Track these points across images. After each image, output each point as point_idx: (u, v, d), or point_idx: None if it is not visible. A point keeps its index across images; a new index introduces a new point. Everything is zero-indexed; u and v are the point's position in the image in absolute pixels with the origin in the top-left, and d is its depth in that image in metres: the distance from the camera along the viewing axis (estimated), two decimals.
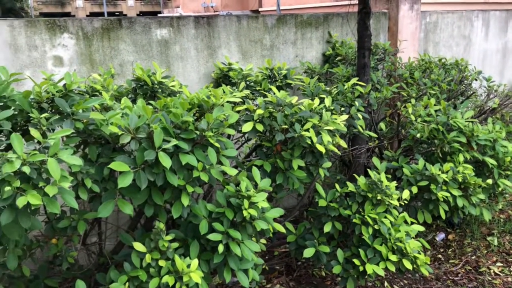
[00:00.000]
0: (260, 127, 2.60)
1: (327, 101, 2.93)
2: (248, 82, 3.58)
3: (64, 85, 2.35)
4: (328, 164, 2.74)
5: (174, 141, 2.15)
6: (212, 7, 12.29)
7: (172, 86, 3.18)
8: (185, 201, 2.25)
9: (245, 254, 2.32)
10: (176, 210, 2.27)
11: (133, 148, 2.14)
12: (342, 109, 3.07)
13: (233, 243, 2.32)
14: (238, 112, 2.69)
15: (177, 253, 2.32)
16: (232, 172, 2.34)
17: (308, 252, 2.79)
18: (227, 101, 2.60)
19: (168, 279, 2.13)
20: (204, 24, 3.92)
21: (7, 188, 1.73)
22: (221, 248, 2.27)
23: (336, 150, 2.63)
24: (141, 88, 3.07)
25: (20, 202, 1.73)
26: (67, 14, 14.04)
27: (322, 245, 2.88)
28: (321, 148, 2.53)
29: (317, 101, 2.83)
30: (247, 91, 3.09)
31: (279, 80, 3.50)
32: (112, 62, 3.55)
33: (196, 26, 3.89)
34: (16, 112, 2.21)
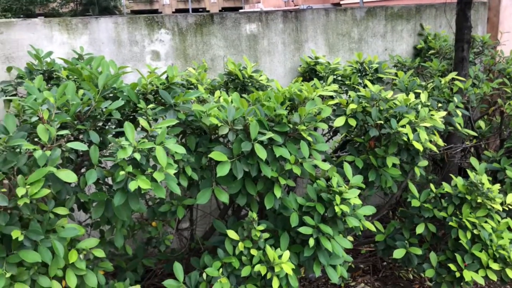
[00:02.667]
0: (352, 122, 2.54)
1: (423, 97, 2.79)
2: (335, 76, 3.53)
3: (167, 78, 2.48)
4: (424, 162, 2.61)
5: (270, 134, 2.18)
6: (292, 1, 12.26)
7: (261, 80, 3.23)
8: (278, 192, 2.28)
9: (335, 250, 2.29)
10: (269, 201, 2.30)
11: (231, 139, 2.21)
12: (440, 105, 2.90)
13: (324, 238, 2.30)
14: (330, 106, 2.66)
15: (267, 244, 2.36)
16: (325, 166, 2.32)
17: (398, 253, 2.69)
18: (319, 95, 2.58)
19: (261, 268, 2.17)
20: (292, 18, 3.92)
21: (122, 173, 1.88)
22: (311, 242, 2.27)
23: (434, 148, 2.50)
24: (232, 82, 3.15)
25: (132, 185, 1.87)
26: (155, 11, 14.84)
27: (413, 246, 2.76)
28: (418, 146, 2.42)
29: (412, 96, 2.71)
30: (335, 85, 3.04)
31: (370, 74, 3.40)
32: (204, 56, 3.69)
33: (284, 21, 3.90)
34: (124, 103, 2.38)
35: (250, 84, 3.14)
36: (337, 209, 2.28)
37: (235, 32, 3.76)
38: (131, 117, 2.48)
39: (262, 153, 2.14)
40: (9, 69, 2.96)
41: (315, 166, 2.38)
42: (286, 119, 2.33)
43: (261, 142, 2.21)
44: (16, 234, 1.66)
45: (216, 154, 2.15)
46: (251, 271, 2.23)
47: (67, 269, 1.93)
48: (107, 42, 3.42)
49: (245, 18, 3.78)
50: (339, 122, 2.54)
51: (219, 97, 2.71)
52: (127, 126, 1.98)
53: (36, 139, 1.91)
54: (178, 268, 2.27)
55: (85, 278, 1.98)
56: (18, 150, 1.77)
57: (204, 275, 2.27)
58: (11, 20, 3.18)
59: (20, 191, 1.64)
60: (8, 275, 1.67)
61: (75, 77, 2.62)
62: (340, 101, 2.65)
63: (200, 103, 2.65)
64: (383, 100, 2.61)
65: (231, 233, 2.29)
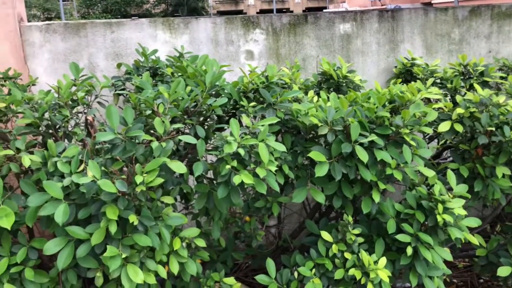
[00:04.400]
0: (459, 128, 2.39)
1: None
2: (434, 79, 3.34)
3: (267, 77, 2.53)
4: None
5: (372, 137, 2.12)
6: (379, 0, 11.88)
7: (355, 80, 3.16)
8: (376, 197, 2.22)
9: (435, 260, 2.18)
10: (366, 205, 2.25)
11: (330, 140, 2.19)
12: None
13: (423, 247, 2.20)
14: (434, 110, 2.52)
15: (361, 248, 2.31)
16: (429, 173, 2.21)
17: (504, 271, 2.48)
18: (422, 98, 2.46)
19: (355, 272, 2.13)
20: (388, 17, 3.79)
21: (227, 167, 1.95)
22: (409, 250, 2.18)
23: None
24: (326, 82, 3.12)
25: (236, 180, 1.92)
26: (240, 12, 15.25)
27: None
28: None
29: None
30: (435, 88, 2.88)
31: (475, 78, 3.18)
32: (296, 56, 3.70)
33: (380, 20, 3.78)
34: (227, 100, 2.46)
35: (344, 84, 3.09)
36: (439, 218, 2.16)
37: (328, 32, 3.72)
38: (230, 114, 2.56)
39: (363, 155, 2.09)
40: (118, 65, 3.20)
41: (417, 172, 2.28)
42: (388, 122, 2.26)
43: (361, 144, 2.16)
44: (133, 218, 1.79)
45: (315, 154, 2.15)
46: (344, 275, 2.19)
47: (170, 255, 2.04)
48: (206, 41, 3.56)
49: (339, 17, 3.73)
50: (444, 127, 2.40)
51: (313, 97, 2.70)
52: (233, 123, 2.05)
53: (151, 131, 2.04)
54: (270, 264, 2.31)
55: (186, 266, 2.08)
56: (135, 140, 1.91)
57: (296, 274, 2.28)
58: (122, 20, 3.43)
59: (138, 179, 1.76)
60: (123, 256, 1.80)
61: (179, 74, 2.76)
62: (445, 104, 2.51)
63: (294, 103, 2.66)
64: (493, 105, 2.42)
65: (325, 235, 2.27)
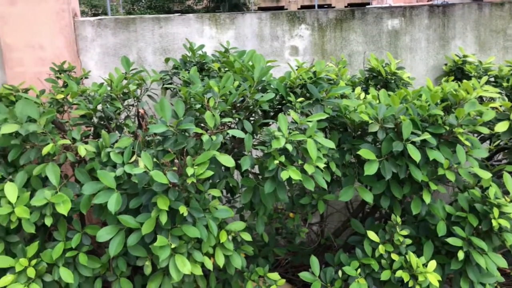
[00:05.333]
0: None
1: None
2: (488, 77, 3.19)
3: (314, 72, 2.50)
4: None
5: (425, 135, 2.06)
6: None
7: (404, 77, 3.07)
8: (427, 198, 2.14)
9: (489, 267, 2.08)
10: (416, 206, 2.18)
11: (380, 137, 2.14)
12: None
13: (475, 252, 2.11)
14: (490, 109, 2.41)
15: (408, 250, 2.24)
16: (485, 175, 2.12)
17: None
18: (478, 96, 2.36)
19: (403, 274, 2.07)
20: (438, 13, 3.66)
21: (275, 162, 1.94)
22: (461, 255, 2.10)
23: None
24: (374, 78, 3.05)
25: (284, 175, 1.91)
26: (281, 8, 15.18)
27: None
28: None
29: None
30: (490, 87, 2.75)
31: None
32: (341, 52, 3.64)
33: (430, 16, 3.65)
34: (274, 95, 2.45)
35: (393, 81, 3.01)
36: (494, 223, 2.06)
37: (375, 28, 3.63)
38: (276, 109, 2.55)
39: (415, 154, 2.03)
40: (166, 60, 3.26)
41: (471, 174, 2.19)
42: (441, 120, 2.18)
43: (413, 143, 2.10)
44: (183, 209, 1.81)
45: (365, 152, 2.10)
46: (390, 276, 2.14)
47: (216, 247, 2.06)
48: (251, 37, 3.57)
49: (388, 13, 3.63)
50: (501, 127, 2.29)
51: (360, 93, 2.65)
52: (281, 118, 2.04)
53: (201, 124, 2.06)
54: (314, 262, 2.29)
55: (231, 259, 2.09)
56: (186, 133, 1.93)
57: (340, 273, 2.25)
58: (169, 15, 3.49)
59: (189, 171, 1.79)
60: (172, 246, 1.84)
61: (226, 69, 2.78)
62: (503, 104, 2.39)
63: (341, 99, 2.62)
64: None
65: (371, 234, 2.23)
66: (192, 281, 2.11)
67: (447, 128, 2.16)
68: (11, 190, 1.83)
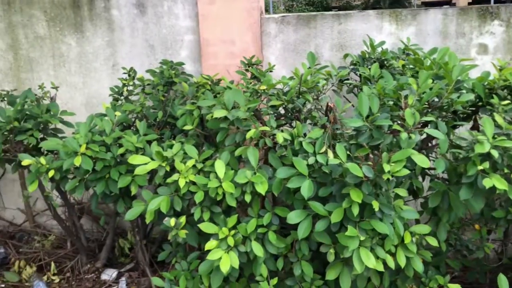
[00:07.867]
0: None
1: None
2: None
3: None
4: None
5: None
6: None
7: None
8: None
9: None
10: None
11: None
12: None
13: None
14: None
15: None
16: None
17: None
18: None
19: None
20: None
21: (476, 168, 1.82)
22: None
23: None
24: None
25: (487, 183, 1.79)
26: (448, 3, 14.03)
27: None
28: None
29: None
30: None
31: None
32: None
33: None
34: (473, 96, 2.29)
35: None
36: None
37: None
38: (469, 111, 2.39)
39: None
40: (345, 56, 3.31)
41: None
42: None
43: None
44: (375, 204, 1.84)
45: None
46: None
47: (397, 247, 2.04)
48: (433, 33, 3.38)
49: None
50: None
51: None
52: (486, 122, 1.91)
53: (395, 121, 2.05)
54: (503, 280, 2.08)
55: (412, 261, 2.04)
56: (382, 130, 1.94)
57: None
58: (349, 12, 3.53)
59: (386, 167, 1.80)
60: (361, 238, 1.88)
61: (410, 66, 2.70)
62: None
63: None
64: None
65: None
66: (366, 277, 2.13)
67: None
68: (220, 166, 2.09)
